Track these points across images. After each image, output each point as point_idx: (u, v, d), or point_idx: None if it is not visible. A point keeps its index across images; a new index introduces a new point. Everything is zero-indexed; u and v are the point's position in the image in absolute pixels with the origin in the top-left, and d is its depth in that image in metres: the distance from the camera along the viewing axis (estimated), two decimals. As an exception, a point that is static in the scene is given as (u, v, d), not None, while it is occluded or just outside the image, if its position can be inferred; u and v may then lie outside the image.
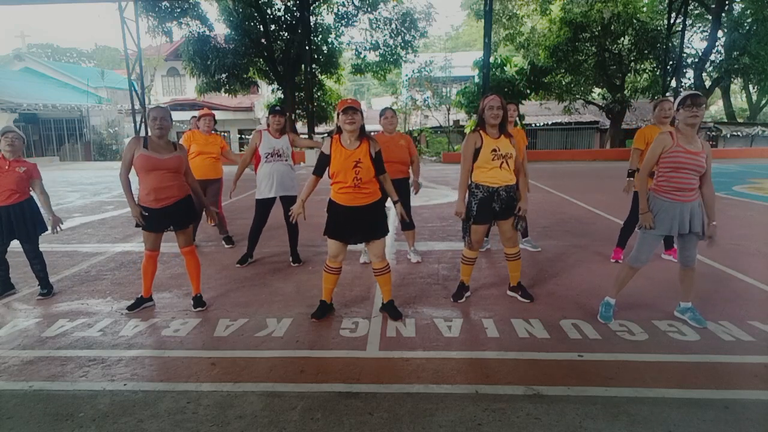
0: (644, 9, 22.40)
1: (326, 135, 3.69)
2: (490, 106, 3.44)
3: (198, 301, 3.78)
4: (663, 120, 4.42)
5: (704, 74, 21.55)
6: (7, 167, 3.87)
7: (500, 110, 3.43)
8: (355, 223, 3.33)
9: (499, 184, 3.52)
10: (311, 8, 20.59)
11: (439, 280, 4.39)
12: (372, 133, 4.56)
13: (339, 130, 3.30)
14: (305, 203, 3.42)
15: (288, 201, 4.86)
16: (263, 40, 21.34)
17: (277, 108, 4.82)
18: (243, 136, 28.38)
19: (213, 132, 5.88)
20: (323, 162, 3.32)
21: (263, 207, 4.86)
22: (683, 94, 3.10)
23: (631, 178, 4.67)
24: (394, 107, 24.50)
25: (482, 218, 3.60)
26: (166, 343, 3.18)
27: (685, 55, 21.13)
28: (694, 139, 3.11)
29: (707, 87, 22.09)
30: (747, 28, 20.46)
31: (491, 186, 3.52)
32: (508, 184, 3.55)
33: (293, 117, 22.16)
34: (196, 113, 5.94)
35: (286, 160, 4.80)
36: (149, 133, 3.55)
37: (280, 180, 4.74)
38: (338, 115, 3.23)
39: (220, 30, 22.23)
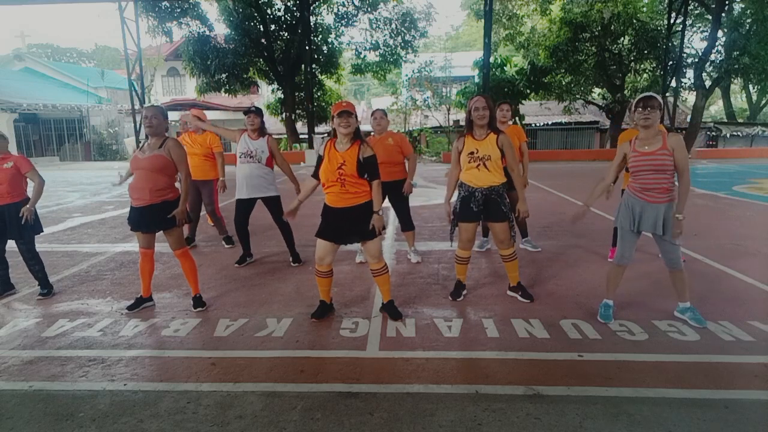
0: (644, 9, 22.38)
1: (326, 135, 3.66)
2: (476, 107, 3.51)
3: (198, 302, 3.78)
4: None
5: (704, 74, 21.53)
6: None
7: (486, 110, 3.50)
8: (347, 224, 3.32)
9: (477, 185, 3.59)
10: (311, 8, 20.59)
11: (438, 280, 4.38)
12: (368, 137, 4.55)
13: (335, 134, 3.30)
14: (301, 204, 3.47)
15: (269, 202, 4.83)
16: (263, 40, 21.34)
17: (252, 108, 4.71)
18: (243, 136, 28.35)
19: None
20: (319, 164, 3.35)
21: (239, 206, 4.82)
22: (638, 96, 3.20)
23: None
24: (394, 107, 24.55)
25: (464, 216, 3.67)
26: (166, 343, 3.18)
27: (685, 55, 21.11)
28: (654, 139, 3.14)
29: (707, 87, 22.06)
30: (747, 28, 20.42)
31: (470, 186, 3.63)
32: (489, 185, 3.59)
33: (293, 117, 22.16)
34: (187, 112, 5.80)
35: (259, 161, 4.70)
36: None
37: (250, 181, 4.69)
38: (333, 118, 3.24)
39: (220, 30, 22.24)
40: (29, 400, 2.54)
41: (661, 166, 3.09)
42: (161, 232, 3.65)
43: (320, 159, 3.33)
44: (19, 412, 2.44)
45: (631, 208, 3.27)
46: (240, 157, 4.71)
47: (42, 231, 4.20)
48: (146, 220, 3.54)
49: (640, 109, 3.11)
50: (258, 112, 4.73)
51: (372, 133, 4.74)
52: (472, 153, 3.56)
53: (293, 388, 2.61)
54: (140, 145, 3.60)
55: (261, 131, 4.75)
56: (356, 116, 3.26)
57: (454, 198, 3.77)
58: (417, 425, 2.27)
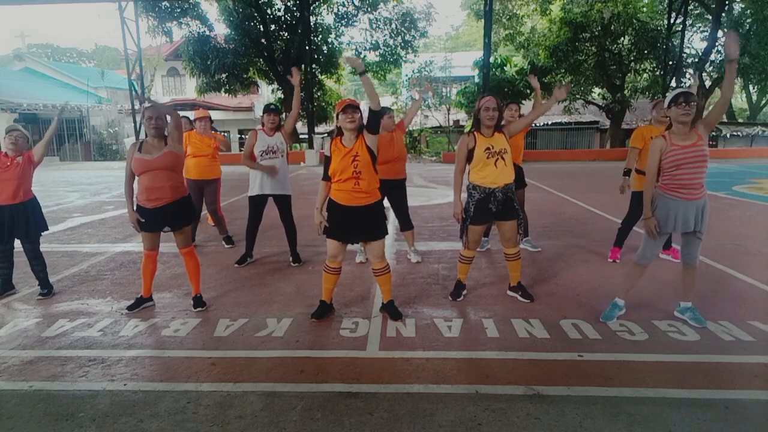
0: (644, 9, 22.38)
1: (326, 135, 3.63)
2: (486, 107, 3.47)
3: (198, 302, 3.78)
4: (662, 119, 4.42)
5: (704, 74, 21.53)
6: (9, 164, 3.93)
7: (496, 112, 3.48)
8: (355, 224, 3.33)
9: (495, 185, 3.55)
10: (311, 8, 20.58)
11: (439, 280, 4.38)
12: None
13: (340, 132, 3.30)
14: (322, 210, 3.38)
15: (281, 200, 4.84)
16: (263, 40, 21.33)
17: (272, 106, 4.76)
18: (243, 136, 28.36)
19: (213, 131, 5.90)
20: (327, 164, 3.33)
21: (255, 205, 4.84)
22: (675, 92, 3.13)
23: (627, 177, 4.67)
24: (394, 107, 24.57)
25: (480, 219, 3.63)
26: (166, 343, 3.19)
27: (685, 55, 21.12)
28: (689, 134, 3.14)
29: (707, 87, 22.06)
30: (747, 28, 20.44)
31: (488, 187, 3.56)
32: (505, 184, 3.57)
33: (294, 117, 22.13)
34: (191, 114, 5.91)
35: (282, 155, 4.77)
36: (146, 134, 3.57)
37: (272, 178, 4.71)
38: (338, 115, 3.23)
39: (220, 30, 22.24)
40: (29, 400, 2.54)
41: (702, 157, 3.10)
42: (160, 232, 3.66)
43: (328, 159, 3.32)
44: (19, 412, 2.44)
45: (673, 210, 3.18)
46: (260, 155, 4.70)
47: (47, 229, 4.23)
48: (165, 218, 3.56)
49: (683, 104, 3.04)
50: (277, 110, 4.80)
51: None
52: (488, 148, 3.51)
53: (293, 388, 2.61)
54: (138, 146, 3.52)
55: (277, 128, 4.82)
56: (361, 112, 3.26)
57: (463, 197, 3.73)
58: (417, 425, 2.27)
